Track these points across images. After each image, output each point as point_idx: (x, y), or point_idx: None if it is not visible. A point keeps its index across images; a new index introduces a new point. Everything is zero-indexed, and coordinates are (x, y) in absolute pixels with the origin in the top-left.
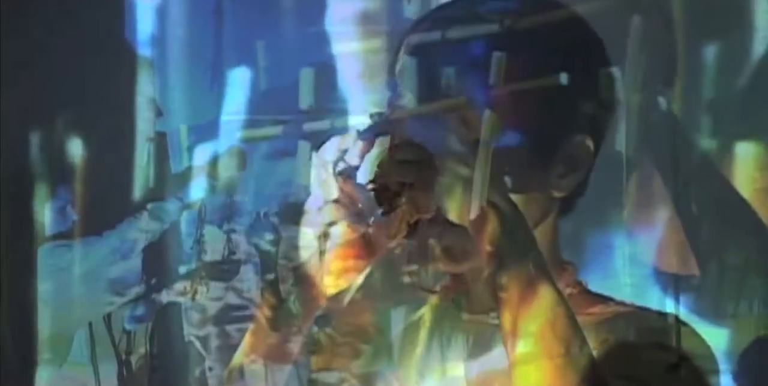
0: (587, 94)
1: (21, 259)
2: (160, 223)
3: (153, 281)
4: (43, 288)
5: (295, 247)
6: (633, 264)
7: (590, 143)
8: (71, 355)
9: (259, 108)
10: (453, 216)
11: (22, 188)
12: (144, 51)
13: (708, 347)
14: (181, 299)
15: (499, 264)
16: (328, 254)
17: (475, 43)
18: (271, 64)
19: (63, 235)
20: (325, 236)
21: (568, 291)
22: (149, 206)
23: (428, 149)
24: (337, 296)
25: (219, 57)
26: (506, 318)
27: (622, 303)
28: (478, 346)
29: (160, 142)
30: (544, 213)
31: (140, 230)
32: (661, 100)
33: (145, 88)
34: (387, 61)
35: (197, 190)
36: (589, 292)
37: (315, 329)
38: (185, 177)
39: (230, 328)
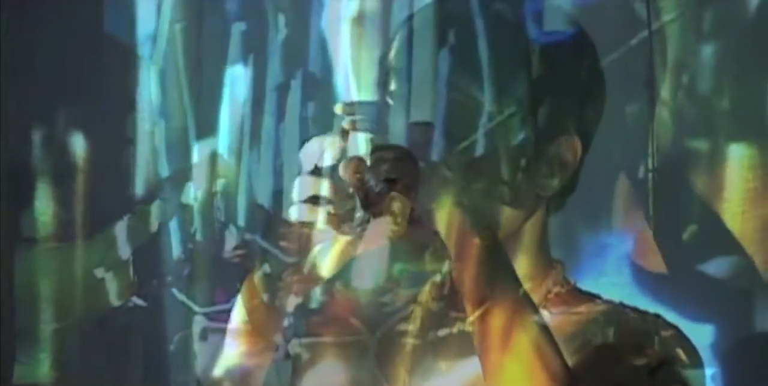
0: (574, 93)
1: (18, 259)
2: (147, 227)
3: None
4: (44, 288)
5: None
6: (623, 264)
7: (577, 143)
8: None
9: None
10: (440, 228)
11: (22, 187)
12: (143, 49)
13: (693, 348)
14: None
15: (479, 303)
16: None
17: (465, 39)
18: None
19: (62, 236)
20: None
21: (555, 289)
22: (136, 209)
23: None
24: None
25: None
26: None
27: (610, 302)
28: (469, 345)
29: (154, 142)
30: (530, 211)
31: (128, 234)
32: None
33: (145, 87)
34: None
35: (186, 193)
36: (577, 291)
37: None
38: (175, 179)
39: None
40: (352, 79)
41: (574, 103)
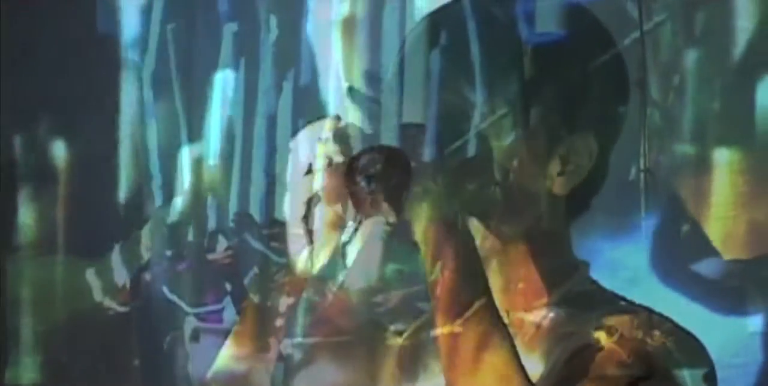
0: (592, 88)
1: (10, 266)
2: (140, 253)
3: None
4: (26, 294)
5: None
6: (615, 269)
7: (592, 141)
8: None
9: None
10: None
11: (4, 191)
12: (128, 53)
13: (697, 350)
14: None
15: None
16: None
17: (457, 40)
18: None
19: (45, 242)
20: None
21: (576, 290)
22: (130, 236)
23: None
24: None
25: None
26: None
27: (632, 304)
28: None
29: (142, 146)
30: (545, 210)
31: (123, 261)
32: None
33: (129, 91)
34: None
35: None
36: (602, 292)
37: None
38: (165, 205)
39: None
40: (344, 79)
41: (573, 102)
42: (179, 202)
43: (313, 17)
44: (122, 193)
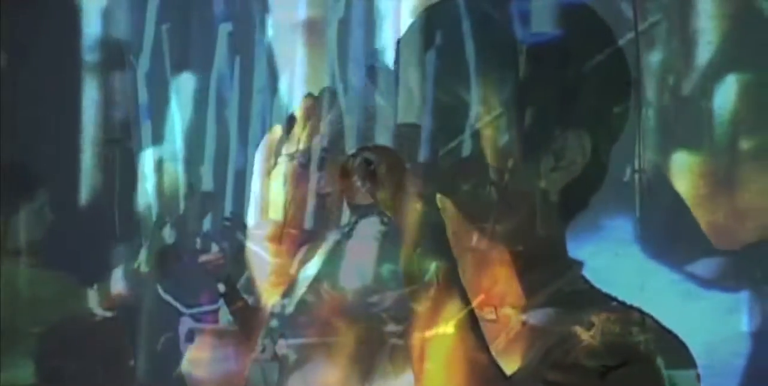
0: (588, 88)
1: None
2: (138, 271)
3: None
4: (21, 297)
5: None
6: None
7: (585, 137)
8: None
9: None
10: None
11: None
12: (90, 56)
13: (680, 350)
14: None
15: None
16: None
17: (452, 40)
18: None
19: (35, 247)
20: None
21: (567, 289)
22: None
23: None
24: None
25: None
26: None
27: (623, 304)
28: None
29: (111, 148)
30: (540, 210)
31: (123, 277)
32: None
33: (90, 93)
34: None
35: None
36: (594, 292)
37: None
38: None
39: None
40: (339, 79)
41: (568, 102)
42: (174, 203)
43: (307, 16)
44: (84, 196)
